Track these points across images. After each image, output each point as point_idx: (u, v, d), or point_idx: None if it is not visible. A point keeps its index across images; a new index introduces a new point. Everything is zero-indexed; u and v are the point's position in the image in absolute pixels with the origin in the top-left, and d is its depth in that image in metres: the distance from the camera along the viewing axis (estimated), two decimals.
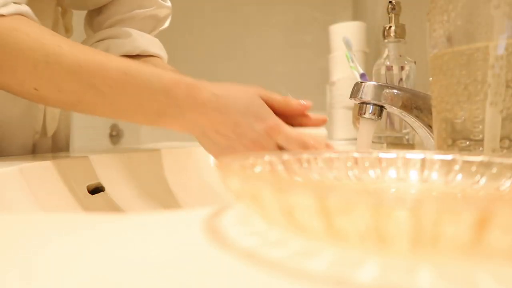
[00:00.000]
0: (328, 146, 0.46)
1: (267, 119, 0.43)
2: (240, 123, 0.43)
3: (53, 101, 0.42)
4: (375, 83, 0.48)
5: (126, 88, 0.40)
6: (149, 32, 0.62)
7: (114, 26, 0.59)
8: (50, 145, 0.63)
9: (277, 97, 0.45)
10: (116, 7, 0.59)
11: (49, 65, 0.38)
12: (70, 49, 0.39)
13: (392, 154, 0.24)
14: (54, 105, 0.44)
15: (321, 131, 0.45)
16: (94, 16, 0.61)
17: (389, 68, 0.59)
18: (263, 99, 0.44)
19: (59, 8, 0.60)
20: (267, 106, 0.44)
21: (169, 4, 0.64)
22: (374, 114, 0.48)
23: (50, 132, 0.62)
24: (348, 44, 0.63)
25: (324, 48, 1.43)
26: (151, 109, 0.41)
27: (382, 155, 0.24)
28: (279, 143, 0.43)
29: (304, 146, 0.43)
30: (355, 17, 1.83)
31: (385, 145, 0.64)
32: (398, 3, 0.59)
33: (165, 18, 0.64)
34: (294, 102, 0.46)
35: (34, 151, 0.60)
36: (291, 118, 0.46)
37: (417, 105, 0.46)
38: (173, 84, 0.42)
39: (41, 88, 0.39)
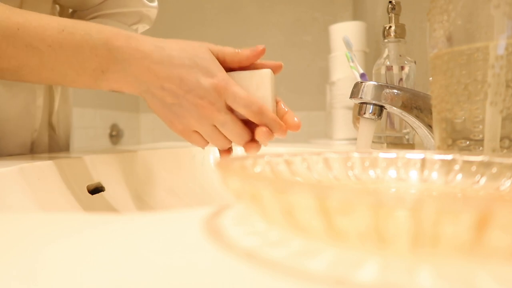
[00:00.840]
0: (278, 109, 0.45)
1: (216, 74, 0.41)
2: (187, 78, 0.40)
3: None
4: (375, 83, 0.48)
5: (65, 45, 0.39)
6: (131, 25, 0.63)
7: (95, 19, 0.60)
8: (48, 144, 0.63)
9: (228, 49, 0.43)
10: (101, 6, 0.60)
11: None
12: (8, 13, 0.38)
13: (392, 154, 0.24)
14: None
15: (264, 71, 0.43)
16: (78, 12, 0.62)
17: (389, 68, 0.59)
18: (213, 53, 0.42)
19: (57, 6, 0.60)
20: (217, 61, 0.42)
21: (155, 4, 0.64)
22: (374, 114, 0.48)
23: (59, 130, 0.62)
24: (348, 44, 0.63)
25: (324, 48, 1.43)
26: (93, 65, 0.40)
27: (382, 155, 0.24)
28: (227, 103, 0.41)
29: (251, 108, 0.41)
30: (355, 17, 1.83)
31: (385, 145, 0.64)
32: (398, 3, 0.59)
33: (149, 16, 0.64)
34: (246, 51, 0.43)
35: (32, 150, 0.60)
36: (246, 68, 0.44)
37: (417, 105, 0.46)
38: (113, 35, 0.40)
39: None
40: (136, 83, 0.41)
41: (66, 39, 0.39)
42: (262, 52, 0.44)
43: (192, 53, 0.41)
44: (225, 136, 0.43)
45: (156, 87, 0.41)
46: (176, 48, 0.41)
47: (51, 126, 0.62)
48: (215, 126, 0.42)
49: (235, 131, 0.42)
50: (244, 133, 0.43)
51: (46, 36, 0.38)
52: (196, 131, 0.43)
